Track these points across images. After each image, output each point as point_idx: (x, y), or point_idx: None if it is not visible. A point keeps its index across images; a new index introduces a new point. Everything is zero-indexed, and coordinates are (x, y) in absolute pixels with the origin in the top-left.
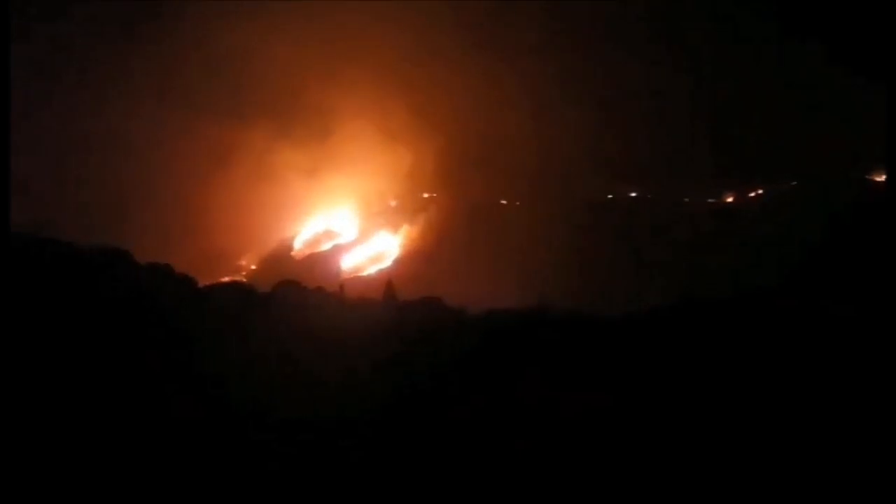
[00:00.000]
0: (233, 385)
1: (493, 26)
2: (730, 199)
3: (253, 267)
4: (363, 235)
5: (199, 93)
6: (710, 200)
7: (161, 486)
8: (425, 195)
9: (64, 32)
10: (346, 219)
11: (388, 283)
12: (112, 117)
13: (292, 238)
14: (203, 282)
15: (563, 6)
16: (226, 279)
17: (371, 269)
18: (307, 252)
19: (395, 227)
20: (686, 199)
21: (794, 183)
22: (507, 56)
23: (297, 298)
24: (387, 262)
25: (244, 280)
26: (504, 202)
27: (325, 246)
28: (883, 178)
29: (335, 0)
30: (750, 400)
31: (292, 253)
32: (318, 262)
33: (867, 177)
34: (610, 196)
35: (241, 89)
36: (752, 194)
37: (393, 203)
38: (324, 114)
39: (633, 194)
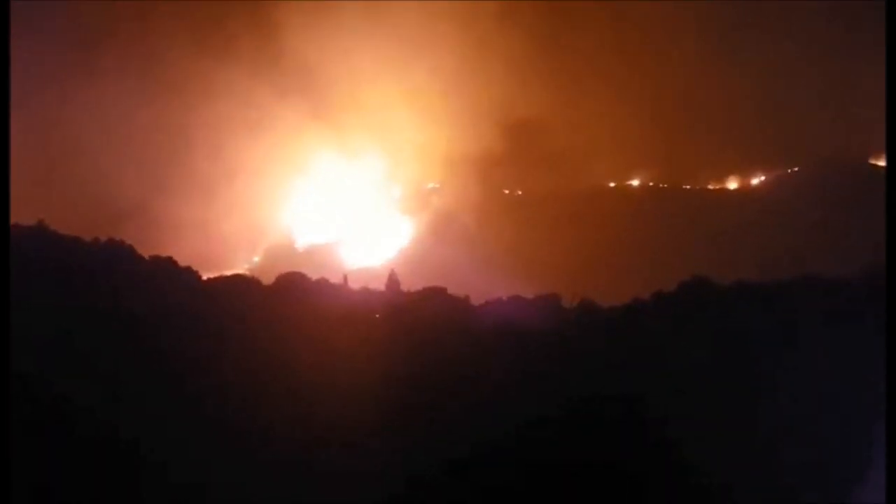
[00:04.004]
0: (237, 380)
1: (523, 15)
2: (733, 186)
3: (256, 259)
4: (368, 225)
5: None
6: (709, 187)
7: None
8: (430, 185)
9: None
10: (351, 208)
11: (392, 274)
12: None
13: (296, 228)
14: (207, 274)
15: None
16: (229, 273)
17: (375, 260)
18: (310, 243)
19: (401, 217)
20: (686, 186)
21: (796, 169)
22: (526, 44)
23: (301, 290)
24: (391, 253)
25: (247, 273)
26: (506, 191)
27: (329, 236)
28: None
29: None
30: (753, 389)
31: (296, 244)
32: (321, 252)
33: (870, 162)
34: (612, 184)
35: (271, 67)
36: (755, 181)
37: (397, 193)
38: (354, 93)
39: (636, 182)
